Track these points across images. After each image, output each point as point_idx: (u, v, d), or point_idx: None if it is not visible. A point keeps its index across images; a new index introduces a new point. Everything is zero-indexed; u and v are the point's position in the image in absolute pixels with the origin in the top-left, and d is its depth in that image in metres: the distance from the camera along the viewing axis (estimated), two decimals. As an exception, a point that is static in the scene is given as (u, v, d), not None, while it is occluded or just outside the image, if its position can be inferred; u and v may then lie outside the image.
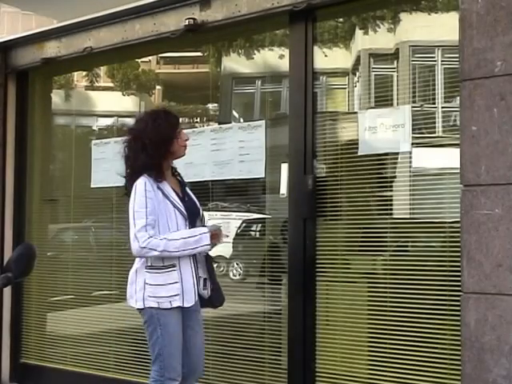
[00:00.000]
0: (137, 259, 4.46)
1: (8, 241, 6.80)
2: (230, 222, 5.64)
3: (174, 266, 4.35)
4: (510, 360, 3.75)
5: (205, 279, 4.52)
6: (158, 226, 4.33)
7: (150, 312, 4.36)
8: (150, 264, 4.37)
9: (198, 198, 4.65)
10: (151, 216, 4.29)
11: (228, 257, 5.62)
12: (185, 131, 4.63)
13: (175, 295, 4.33)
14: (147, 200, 4.29)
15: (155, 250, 4.26)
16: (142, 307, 4.38)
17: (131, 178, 4.44)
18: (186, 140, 4.55)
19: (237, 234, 5.67)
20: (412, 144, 4.71)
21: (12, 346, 6.86)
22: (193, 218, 4.50)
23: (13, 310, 6.88)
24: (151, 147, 4.37)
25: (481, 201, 3.86)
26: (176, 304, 4.32)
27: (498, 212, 3.81)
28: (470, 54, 3.92)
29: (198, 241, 4.34)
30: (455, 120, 4.52)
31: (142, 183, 4.33)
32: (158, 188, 4.37)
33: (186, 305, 4.36)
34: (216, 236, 4.47)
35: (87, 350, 6.40)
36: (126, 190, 4.48)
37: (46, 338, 6.76)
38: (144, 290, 4.36)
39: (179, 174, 4.65)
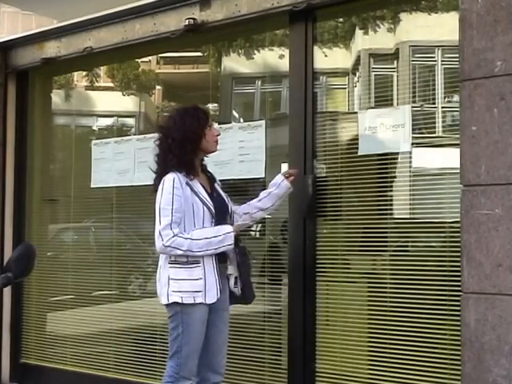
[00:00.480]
0: (161, 255, 4.48)
1: (8, 241, 6.80)
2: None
3: (197, 262, 4.36)
4: (510, 360, 3.76)
5: (236, 277, 4.54)
6: (184, 223, 4.35)
7: (175, 309, 4.37)
8: (173, 259, 4.38)
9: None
10: (177, 214, 4.31)
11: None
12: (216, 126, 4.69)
13: (198, 291, 4.34)
14: (174, 197, 4.31)
15: (179, 249, 4.29)
16: (167, 302, 4.39)
17: (160, 175, 4.46)
18: (217, 135, 4.60)
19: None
20: (412, 144, 4.71)
21: (12, 345, 6.87)
22: (221, 215, 4.52)
23: (13, 310, 6.88)
24: (175, 147, 4.41)
25: (481, 201, 3.86)
26: (199, 300, 4.33)
27: (498, 212, 3.81)
28: (470, 54, 3.93)
29: (222, 241, 4.37)
30: (455, 120, 4.52)
31: (171, 179, 4.35)
32: (187, 184, 4.38)
33: (208, 301, 4.37)
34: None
35: (87, 350, 6.40)
36: (155, 186, 4.48)
37: (46, 338, 6.76)
38: (168, 285, 4.37)
39: (208, 171, 4.68)
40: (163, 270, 4.44)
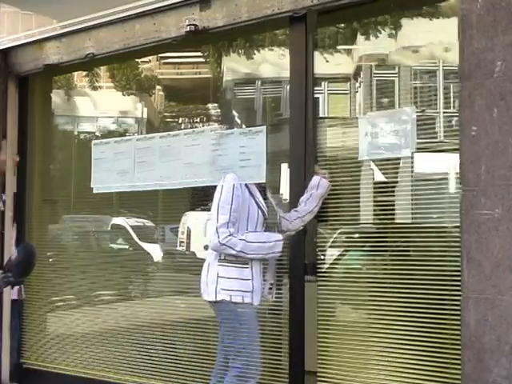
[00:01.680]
0: (210, 253, 4.54)
1: (8, 241, 6.78)
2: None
3: (247, 263, 4.45)
4: (510, 360, 3.75)
5: (271, 283, 4.63)
6: (238, 223, 4.43)
7: (229, 307, 4.44)
8: (223, 257, 4.46)
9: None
10: (234, 213, 4.43)
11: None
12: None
13: (247, 291, 4.43)
14: (233, 197, 4.43)
15: (232, 249, 4.38)
16: (214, 300, 4.46)
17: None
18: None
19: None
20: (413, 149, 4.70)
21: (12, 346, 6.83)
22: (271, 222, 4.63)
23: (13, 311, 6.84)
24: None
25: (481, 201, 3.86)
26: (247, 300, 4.42)
27: (498, 212, 3.81)
28: (470, 54, 3.93)
29: (272, 247, 4.48)
30: (456, 124, 4.51)
31: (232, 179, 4.48)
32: (246, 186, 4.51)
33: (255, 303, 4.46)
34: None
35: (87, 351, 6.38)
36: None
37: (46, 339, 6.74)
38: (217, 283, 4.45)
39: None
40: (211, 268, 4.52)
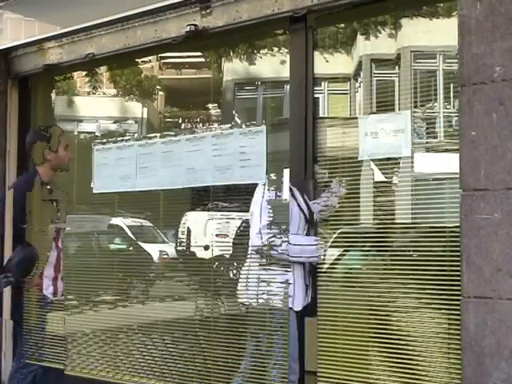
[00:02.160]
0: (250, 255, 4.61)
1: (8, 241, 6.77)
2: (229, 221, 5.63)
3: (288, 266, 4.46)
4: (510, 364, 3.77)
5: (306, 285, 4.62)
6: (281, 225, 4.48)
7: (269, 311, 4.49)
8: (264, 260, 4.50)
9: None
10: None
11: (228, 256, 5.63)
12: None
13: (289, 296, 4.44)
14: (276, 198, 4.46)
15: (275, 251, 4.39)
16: (256, 304, 4.51)
17: None
18: None
19: (237, 234, 5.67)
20: (412, 149, 4.71)
21: (13, 345, 6.86)
22: (310, 225, 4.69)
23: (13, 310, 6.83)
24: None
25: (480, 205, 3.88)
26: (289, 304, 4.43)
27: (498, 216, 3.82)
28: (469, 60, 3.95)
29: (314, 251, 4.50)
30: (456, 125, 4.52)
31: None
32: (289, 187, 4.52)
33: (295, 308, 4.48)
34: None
35: (87, 351, 6.40)
36: None
37: (46, 339, 6.76)
38: (258, 286, 4.48)
39: None
40: (251, 271, 4.53)
